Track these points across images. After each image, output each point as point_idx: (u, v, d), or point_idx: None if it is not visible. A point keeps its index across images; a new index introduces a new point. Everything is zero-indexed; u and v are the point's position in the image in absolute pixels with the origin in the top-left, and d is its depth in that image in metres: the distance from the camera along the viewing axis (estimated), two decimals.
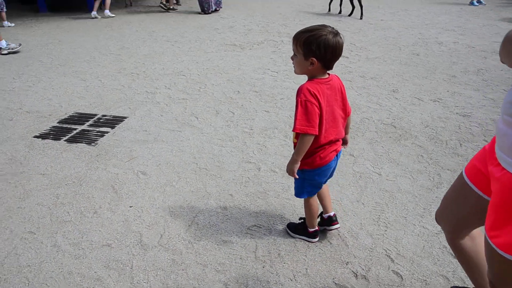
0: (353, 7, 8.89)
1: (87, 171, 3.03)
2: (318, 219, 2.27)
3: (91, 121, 3.90)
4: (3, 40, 6.39)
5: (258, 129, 3.61)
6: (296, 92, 1.88)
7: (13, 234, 2.38)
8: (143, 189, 2.76)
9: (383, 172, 2.91)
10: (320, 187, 2.11)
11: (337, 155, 2.02)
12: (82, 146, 3.41)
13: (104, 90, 4.70)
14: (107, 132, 3.65)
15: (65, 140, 3.53)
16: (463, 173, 1.46)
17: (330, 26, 1.80)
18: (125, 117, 3.94)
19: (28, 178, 2.97)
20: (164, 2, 9.96)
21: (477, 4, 10.62)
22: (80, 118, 3.99)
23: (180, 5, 10.71)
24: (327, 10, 9.58)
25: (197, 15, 9.34)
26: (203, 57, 5.87)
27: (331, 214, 2.24)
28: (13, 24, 8.59)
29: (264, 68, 5.29)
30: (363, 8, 8.78)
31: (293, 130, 1.84)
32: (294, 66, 1.90)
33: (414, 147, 3.24)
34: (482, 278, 1.57)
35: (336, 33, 1.77)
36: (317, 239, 2.24)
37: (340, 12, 9.28)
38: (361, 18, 8.68)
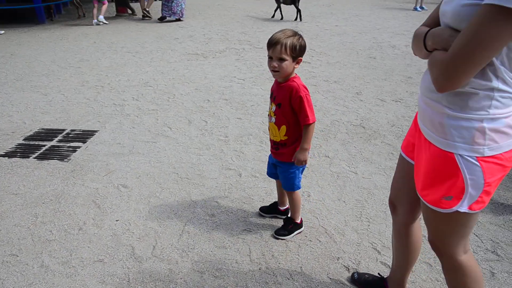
0: (298, 11, 9.56)
1: (64, 187, 2.95)
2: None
3: (60, 137, 3.79)
4: None
5: (233, 136, 3.66)
6: (284, 92, 2.01)
7: None
8: (127, 202, 2.73)
9: (358, 171, 3.05)
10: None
11: None
12: (54, 162, 3.31)
13: (68, 104, 4.57)
14: (79, 147, 3.56)
15: (34, 158, 3.41)
16: (401, 152, 1.62)
17: (291, 30, 1.99)
18: (95, 131, 3.86)
19: (1, 199, 2.85)
20: (147, 9, 9.81)
21: (420, 9, 11.29)
22: (48, 134, 3.86)
23: (135, 14, 10.57)
24: (271, 16, 10.03)
25: (155, 24, 9.26)
26: (167, 67, 5.84)
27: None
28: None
29: (230, 76, 5.36)
30: (301, 11, 9.66)
31: (308, 123, 1.99)
32: (279, 71, 1.98)
33: (384, 146, 3.41)
34: (409, 267, 1.79)
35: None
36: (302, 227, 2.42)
37: (282, 18, 9.85)
38: (300, 20, 9.55)
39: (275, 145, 2.16)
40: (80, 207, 2.70)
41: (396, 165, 1.69)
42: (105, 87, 5.10)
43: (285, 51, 1.92)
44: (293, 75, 2.04)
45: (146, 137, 3.69)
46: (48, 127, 4.00)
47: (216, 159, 3.27)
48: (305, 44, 2.00)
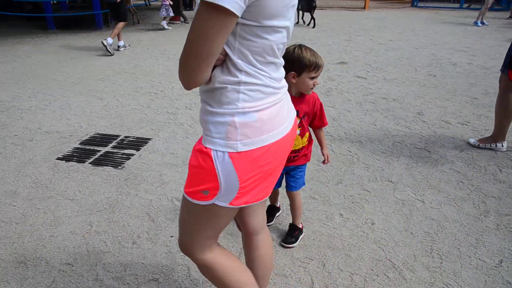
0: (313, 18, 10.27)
1: (118, 196, 2.92)
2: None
3: (114, 143, 3.80)
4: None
5: None
6: (307, 103, 2.09)
7: (50, 265, 2.25)
8: None
9: (426, 200, 2.82)
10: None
11: None
12: (108, 169, 3.30)
13: (123, 110, 4.61)
14: (132, 155, 3.55)
15: (90, 163, 3.42)
16: None
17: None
18: (149, 139, 3.85)
19: (57, 204, 2.85)
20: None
21: (480, 24, 10.75)
22: (102, 139, 3.88)
23: (188, 22, 10.73)
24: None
25: None
26: None
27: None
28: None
29: None
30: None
31: (327, 124, 2.23)
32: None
33: (452, 173, 3.16)
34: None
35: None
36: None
37: (297, 22, 10.63)
38: (313, 27, 10.29)
39: (294, 153, 2.15)
40: (134, 219, 2.64)
41: (499, 209, 1.49)
42: (159, 94, 5.12)
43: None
44: None
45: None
46: (103, 132, 4.03)
47: None
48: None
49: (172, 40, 8.77)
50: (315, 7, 10.14)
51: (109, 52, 7.12)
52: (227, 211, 1.31)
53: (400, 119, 4.23)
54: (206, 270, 1.47)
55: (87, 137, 3.93)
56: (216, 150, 1.18)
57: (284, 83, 1.31)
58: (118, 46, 7.55)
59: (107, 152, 3.62)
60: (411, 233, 2.48)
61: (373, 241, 2.41)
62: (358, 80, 5.63)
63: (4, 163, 3.47)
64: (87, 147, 3.73)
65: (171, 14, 9.77)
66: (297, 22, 10.73)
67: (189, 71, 1.09)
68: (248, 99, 1.17)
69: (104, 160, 3.46)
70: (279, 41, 1.16)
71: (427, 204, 2.78)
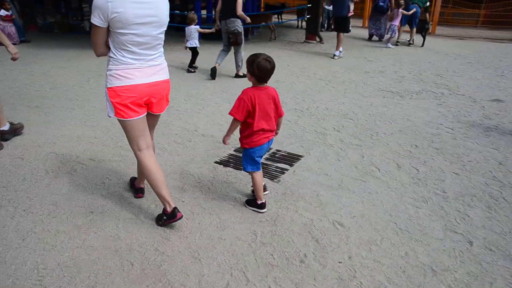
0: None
1: (278, 210, 2.94)
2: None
3: (267, 155, 3.88)
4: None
5: (452, 193, 3.24)
6: None
7: (222, 268, 2.32)
8: (346, 243, 2.56)
9: None
10: (257, 162, 2.88)
11: (268, 141, 2.84)
12: (265, 180, 3.36)
13: None
14: (286, 169, 3.58)
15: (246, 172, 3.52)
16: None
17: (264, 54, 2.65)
18: (300, 156, 3.86)
19: (220, 207, 2.97)
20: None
21: None
22: None
23: (323, 43, 10.81)
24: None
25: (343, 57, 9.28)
26: (364, 102, 5.68)
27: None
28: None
29: (435, 122, 4.91)
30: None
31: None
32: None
33: None
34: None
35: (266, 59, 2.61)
36: (265, 210, 2.92)
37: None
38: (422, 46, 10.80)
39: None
40: (297, 236, 2.62)
41: None
42: (304, 112, 5.16)
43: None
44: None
45: (353, 173, 3.53)
46: None
47: (436, 216, 2.91)
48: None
49: (309, 58, 8.88)
50: (427, 29, 11.00)
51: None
52: (122, 122, 2.52)
53: None
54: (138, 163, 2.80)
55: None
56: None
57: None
58: None
59: (261, 163, 3.70)
60: None
61: None
62: None
63: (170, 159, 3.75)
64: (241, 155, 3.86)
65: (395, 35, 10.66)
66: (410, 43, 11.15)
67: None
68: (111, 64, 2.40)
69: None
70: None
71: None
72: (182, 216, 2.63)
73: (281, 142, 4.17)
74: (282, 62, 8.24)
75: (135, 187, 3.09)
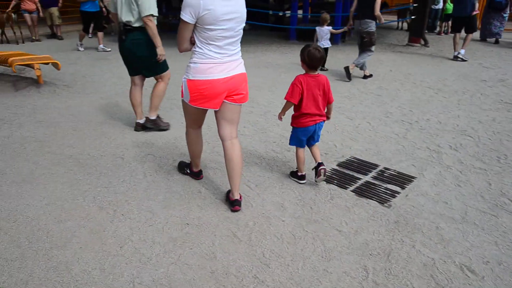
0: None
1: (391, 242, 2.55)
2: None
3: (373, 172, 3.48)
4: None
5: None
6: None
7: None
8: None
9: None
10: (301, 141, 3.18)
11: (316, 124, 3.10)
12: (374, 204, 2.98)
13: (376, 136, 4.29)
14: (397, 192, 3.15)
15: (352, 191, 3.17)
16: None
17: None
18: (413, 177, 3.40)
19: (325, 232, 2.65)
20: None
21: None
22: (361, 166, 3.61)
23: (428, 46, 9.95)
24: None
25: (452, 62, 8.38)
26: (483, 115, 4.96)
27: (320, 161, 3.18)
28: None
29: None
30: None
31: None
32: None
33: None
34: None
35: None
36: (304, 181, 3.28)
37: None
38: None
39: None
40: (417, 280, 2.22)
41: None
42: (413, 125, 4.63)
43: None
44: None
45: (479, 204, 2.99)
46: (359, 157, 3.77)
47: None
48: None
49: (414, 63, 8.17)
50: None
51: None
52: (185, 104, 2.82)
53: None
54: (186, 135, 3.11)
55: (343, 159, 3.73)
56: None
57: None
58: None
59: (368, 182, 3.32)
60: None
61: None
62: None
63: (268, 169, 3.52)
64: (345, 171, 3.51)
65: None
66: None
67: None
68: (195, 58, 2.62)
69: (366, 192, 3.17)
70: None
71: None
72: (202, 177, 3.33)
73: (389, 159, 3.74)
74: (384, 67, 7.67)
75: (230, 200, 2.90)
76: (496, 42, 10.61)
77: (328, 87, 3.06)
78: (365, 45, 6.57)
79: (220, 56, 2.58)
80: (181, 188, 3.18)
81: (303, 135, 3.15)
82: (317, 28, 7.23)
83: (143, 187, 3.18)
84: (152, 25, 3.77)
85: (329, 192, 3.16)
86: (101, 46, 9.15)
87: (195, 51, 2.59)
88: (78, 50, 9.25)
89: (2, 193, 3.07)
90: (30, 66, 6.15)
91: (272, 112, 5.05)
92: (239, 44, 2.71)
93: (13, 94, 5.77)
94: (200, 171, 3.31)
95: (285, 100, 3.07)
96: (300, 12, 12.26)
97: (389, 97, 5.73)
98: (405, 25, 13.99)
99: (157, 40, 3.84)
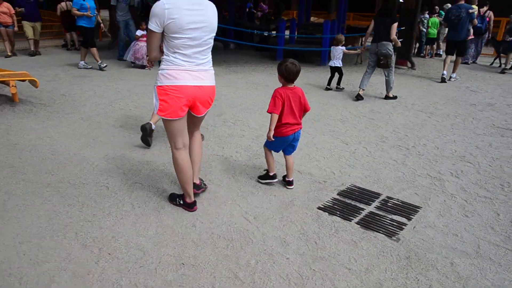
0: None
1: (405, 281, 2.35)
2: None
3: (376, 202, 3.30)
4: None
5: None
6: None
7: None
8: None
9: None
10: (278, 148, 3.44)
11: (294, 133, 3.31)
12: (381, 237, 2.79)
13: (374, 162, 4.13)
14: (404, 224, 2.97)
15: (356, 223, 2.97)
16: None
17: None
18: (418, 207, 3.23)
19: (333, 270, 2.44)
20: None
21: None
22: (362, 195, 3.43)
23: (415, 69, 10.01)
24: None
25: (440, 84, 8.40)
26: (479, 141, 4.88)
27: (290, 179, 3.50)
28: None
29: None
30: None
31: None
32: None
33: None
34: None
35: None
36: (276, 179, 3.54)
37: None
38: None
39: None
40: None
41: None
42: (411, 150, 4.50)
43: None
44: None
45: (491, 236, 2.84)
46: (360, 185, 3.59)
47: None
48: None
49: (402, 85, 8.14)
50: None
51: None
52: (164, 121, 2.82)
53: None
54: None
55: (343, 188, 3.54)
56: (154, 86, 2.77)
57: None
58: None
59: (371, 212, 3.14)
60: None
61: None
62: None
63: (266, 200, 3.30)
64: (347, 200, 3.32)
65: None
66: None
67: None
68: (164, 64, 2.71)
69: (372, 223, 2.98)
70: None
71: None
72: (196, 209, 3.05)
73: (390, 187, 3.57)
74: (374, 90, 7.61)
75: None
76: (473, 63, 11.09)
77: (304, 98, 3.27)
78: (380, 67, 6.74)
79: (187, 64, 2.67)
80: (173, 221, 2.92)
81: (282, 143, 3.36)
82: (332, 47, 7.55)
83: (131, 221, 2.91)
84: None
85: (333, 224, 2.95)
86: (82, 62, 8.82)
87: (163, 58, 2.70)
88: (86, 68, 8.83)
89: None
90: (4, 83, 5.81)
91: (263, 136, 4.84)
92: (209, 54, 2.80)
93: None
94: (194, 202, 3.05)
95: (269, 115, 3.19)
96: (287, 32, 12.25)
97: (382, 121, 5.62)
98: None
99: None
